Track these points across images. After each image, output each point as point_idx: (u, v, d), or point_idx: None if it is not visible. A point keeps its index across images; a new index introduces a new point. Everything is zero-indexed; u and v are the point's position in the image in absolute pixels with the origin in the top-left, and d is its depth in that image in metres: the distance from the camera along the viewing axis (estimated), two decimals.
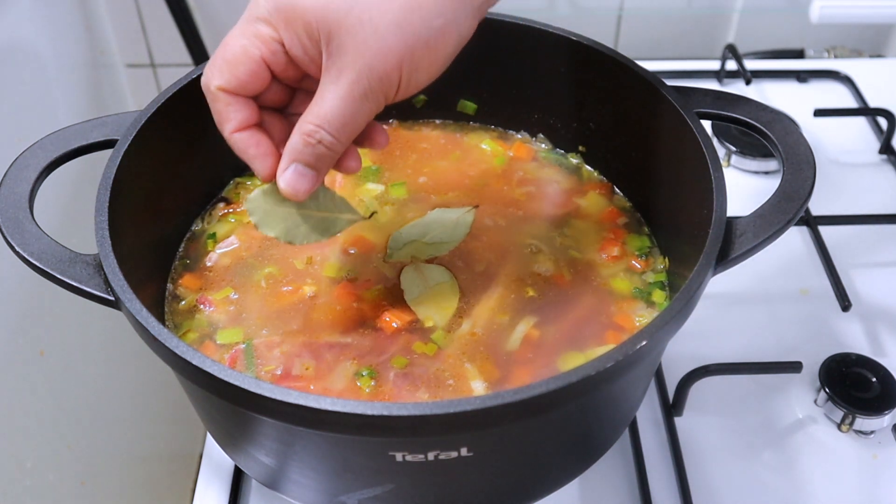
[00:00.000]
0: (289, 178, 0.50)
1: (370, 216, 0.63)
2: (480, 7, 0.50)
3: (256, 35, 0.49)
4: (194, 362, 0.46)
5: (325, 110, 0.49)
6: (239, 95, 0.51)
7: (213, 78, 0.50)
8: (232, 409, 0.49)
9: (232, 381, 0.45)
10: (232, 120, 0.51)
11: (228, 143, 0.52)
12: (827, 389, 0.69)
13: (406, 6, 0.47)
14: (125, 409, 1.17)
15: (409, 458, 0.48)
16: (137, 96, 1.27)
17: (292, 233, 0.54)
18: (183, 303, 0.62)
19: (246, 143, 0.51)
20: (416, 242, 0.65)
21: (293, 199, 0.52)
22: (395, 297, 0.62)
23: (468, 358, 0.58)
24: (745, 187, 0.90)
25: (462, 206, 0.68)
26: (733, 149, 0.92)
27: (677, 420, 0.69)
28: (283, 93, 0.54)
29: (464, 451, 0.48)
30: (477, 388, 0.56)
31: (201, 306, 0.62)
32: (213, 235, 0.67)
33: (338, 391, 0.56)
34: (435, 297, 0.61)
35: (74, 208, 1.01)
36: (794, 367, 0.69)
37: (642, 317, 0.61)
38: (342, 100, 0.48)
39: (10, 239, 0.54)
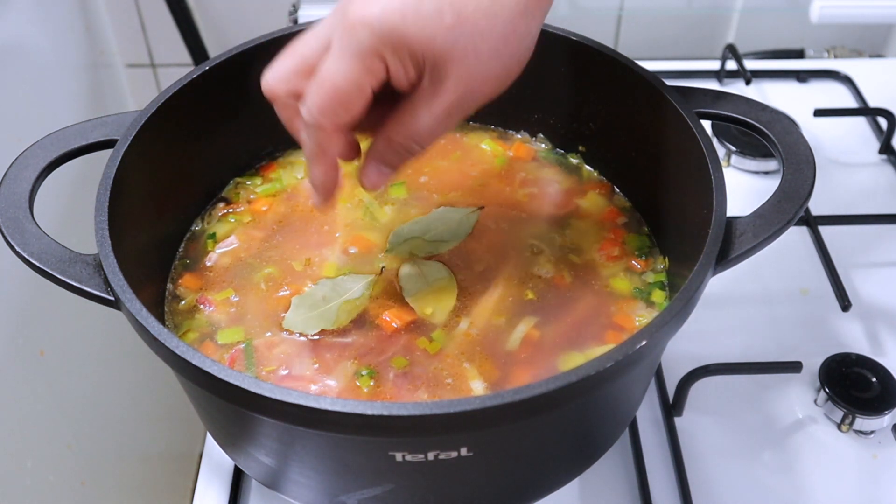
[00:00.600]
0: (372, 177, 0.54)
1: (381, 271, 0.63)
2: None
3: (369, 71, 0.49)
4: (194, 362, 0.46)
5: (420, 127, 0.51)
6: (345, 129, 0.52)
7: (327, 119, 0.50)
8: (232, 409, 0.49)
9: (232, 381, 0.45)
10: (331, 155, 0.53)
11: (316, 177, 0.54)
12: (827, 389, 0.69)
13: (505, 31, 0.49)
14: (125, 409, 1.17)
15: (409, 458, 0.48)
16: (137, 96, 1.27)
17: (329, 322, 0.60)
18: (183, 303, 0.63)
19: (335, 176, 0.54)
20: (416, 239, 0.65)
21: (370, 191, 0.60)
22: (395, 296, 0.62)
23: (468, 358, 0.58)
24: (745, 187, 0.90)
25: (463, 207, 0.68)
26: (733, 149, 0.92)
27: (677, 420, 0.69)
28: None
29: (464, 451, 0.48)
30: (477, 388, 0.56)
31: (201, 306, 0.62)
32: (213, 235, 0.67)
33: (338, 391, 0.56)
34: (433, 294, 0.61)
35: (74, 208, 1.01)
36: (794, 367, 0.69)
37: (642, 317, 0.61)
38: (437, 119, 0.51)
39: (10, 239, 0.54)
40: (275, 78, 0.52)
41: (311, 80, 0.50)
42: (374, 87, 0.50)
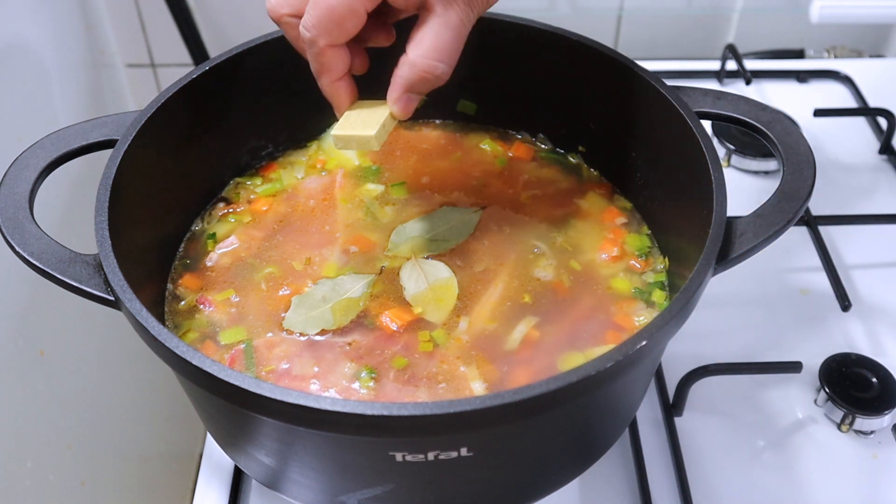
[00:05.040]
0: (404, 105, 0.56)
1: (381, 271, 0.63)
2: None
3: None
4: (194, 362, 0.46)
5: (442, 44, 0.52)
6: (342, 46, 0.54)
7: (321, 37, 0.52)
8: (232, 409, 0.49)
9: (232, 381, 0.45)
10: (334, 70, 0.55)
11: (324, 90, 0.57)
12: (827, 389, 0.69)
13: None
14: (125, 409, 1.17)
15: (409, 458, 0.48)
16: (137, 96, 1.27)
17: (329, 322, 0.60)
18: (183, 303, 0.63)
19: (341, 90, 0.56)
20: (418, 238, 0.65)
21: (403, 119, 0.57)
22: (395, 295, 0.62)
23: (468, 358, 0.58)
24: (745, 187, 0.90)
25: (465, 207, 0.68)
26: (733, 149, 0.92)
27: (677, 420, 0.69)
28: None
29: (464, 451, 0.48)
30: (476, 389, 0.56)
31: (201, 306, 0.62)
32: (213, 235, 0.67)
33: (338, 391, 0.56)
34: (434, 294, 0.61)
35: (74, 208, 1.01)
36: (794, 367, 0.69)
37: (642, 317, 0.61)
38: (455, 32, 0.52)
39: (10, 239, 0.54)
40: (279, 2, 0.55)
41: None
42: (368, 10, 0.51)
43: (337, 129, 0.58)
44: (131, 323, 0.50)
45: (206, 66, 0.64)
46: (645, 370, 0.58)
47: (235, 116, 0.68)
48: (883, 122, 0.96)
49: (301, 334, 0.59)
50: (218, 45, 1.20)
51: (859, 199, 0.89)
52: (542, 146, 0.74)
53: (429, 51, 0.52)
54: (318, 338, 0.59)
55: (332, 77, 0.56)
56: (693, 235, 0.57)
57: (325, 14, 0.52)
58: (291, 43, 0.57)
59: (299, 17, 0.54)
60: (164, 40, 1.21)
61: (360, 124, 0.57)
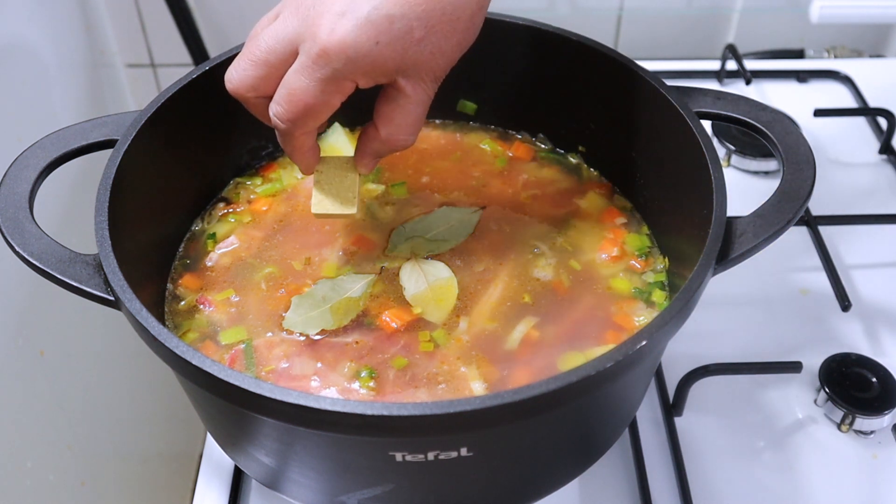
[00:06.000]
0: (372, 167, 0.60)
1: (381, 271, 0.63)
2: None
3: (339, 91, 0.53)
4: (194, 362, 0.46)
5: (411, 121, 0.56)
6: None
7: (296, 129, 0.55)
8: (232, 409, 0.49)
9: (232, 381, 0.45)
10: (305, 146, 0.57)
11: (293, 158, 0.58)
12: (827, 389, 0.69)
13: (466, 27, 0.53)
14: (125, 409, 1.17)
15: (409, 458, 0.48)
16: (137, 96, 1.26)
17: (329, 322, 0.60)
18: (183, 303, 0.63)
19: (309, 156, 0.59)
20: (418, 238, 0.65)
21: (366, 175, 0.63)
22: (395, 295, 0.62)
23: (468, 358, 0.58)
24: (745, 187, 0.90)
25: (465, 206, 0.68)
26: (733, 149, 0.92)
27: (677, 420, 0.69)
28: None
29: (464, 451, 0.48)
30: (476, 389, 0.56)
31: (201, 306, 0.62)
32: (213, 235, 0.67)
33: (338, 391, 0.56)
34: (434, 294, 0.61)
35: (74, 208, 1.01)
36: (794, 367, 0.69)
37: (642, 317, 0.61)
38: (423, 108, 0.55)
39: (10, 239, 0.54)
40: (243, 85, 0.55)
41: (280, 89, 0.53)
42: (342, 100, 0.54)
43: (316, 208, 0.60)
44: (131, 323, 0.50)
45: (206, 66, 0.64)
46: (645, 370, 0.58)
47: (235, 116, 0.68)
48: (883, 122, 0.96)
49: (301, 334, 0.59)
50: (218, 45, 1.20)
51: (859, 199, 0.89)
52: (542, 146, 0.74)
53: (399, 128, 0.56)
54: (318, 338, 0.59)
55: (303, 151, 0.58)
56: (693, 235, 0.57)
57: (300, 110, 0.53)
58: (256, 116, 0.58)
59: (264, 97, 0.55)
60: (164, 40, 1.21)
61: (338, 199, 0.60)
